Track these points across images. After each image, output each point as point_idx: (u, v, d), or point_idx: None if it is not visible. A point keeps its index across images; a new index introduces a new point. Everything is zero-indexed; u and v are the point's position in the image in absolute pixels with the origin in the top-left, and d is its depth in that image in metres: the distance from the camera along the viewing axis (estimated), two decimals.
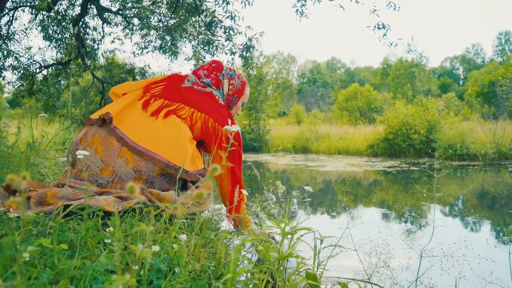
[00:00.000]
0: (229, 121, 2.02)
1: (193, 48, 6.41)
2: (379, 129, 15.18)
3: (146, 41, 7.32)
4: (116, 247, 0.82)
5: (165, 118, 1.84)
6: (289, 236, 1.34)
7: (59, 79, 7.86)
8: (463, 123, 14.25)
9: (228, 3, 5.55)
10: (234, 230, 1.99)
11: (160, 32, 6.63)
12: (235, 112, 2.23)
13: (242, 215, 1.95)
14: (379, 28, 4.72)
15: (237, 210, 1.99)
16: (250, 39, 5.72)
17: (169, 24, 6.36)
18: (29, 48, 6.87)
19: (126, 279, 0.63)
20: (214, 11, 5.81)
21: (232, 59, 5.88)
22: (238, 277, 1.33)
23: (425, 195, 5.08)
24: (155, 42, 7.23)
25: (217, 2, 5.66)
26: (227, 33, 5.72)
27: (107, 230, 1.25)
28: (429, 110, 14.25)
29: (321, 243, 1.47)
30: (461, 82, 48.36)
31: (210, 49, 5.97)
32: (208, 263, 1.32)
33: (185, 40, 6.64)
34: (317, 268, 1.42)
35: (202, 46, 6.06)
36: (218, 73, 2.13)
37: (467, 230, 3.82)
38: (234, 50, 5.76)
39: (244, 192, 1.71)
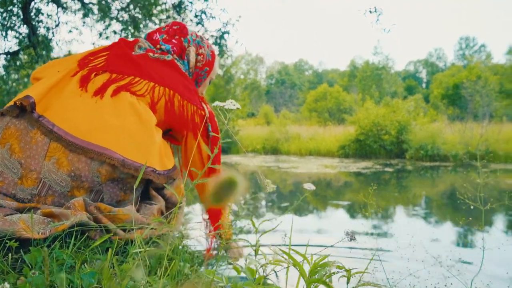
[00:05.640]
0: (204, 106, 1.49)
1: None
2: (350, 130, 15.04)
3: (109, 30, 6.66)
4: None
5: (114, 97, 1.28)
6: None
7: (9, 71, 7.06)
8: (432, 124, 14.32)
9: None
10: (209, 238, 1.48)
11: (122, 19, 6.00)
12: (201, 91, 1.66)
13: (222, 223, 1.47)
14: (370, 12, 4.38)
15: (217, 217, 1.49)
16: (225, 24, 5.19)
17: (132, 10, 5.75)
18: None
19: None
20: None
21: None
22: None
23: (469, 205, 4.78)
24: (117, 33, 6.59)
25: None
26: (198, 17, 5.16)
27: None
28: (399, 111, 14.25)
29: (347, 283, 1.01)
30: (424, 85, 49.64)
31: None
32: None
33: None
34: None
35: None
36: (182, 38, 1.55)
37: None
38: (206, 37, 5.20)
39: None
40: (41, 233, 1.03)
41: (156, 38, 1.53)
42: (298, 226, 3.97)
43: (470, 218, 3.20)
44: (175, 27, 1.57)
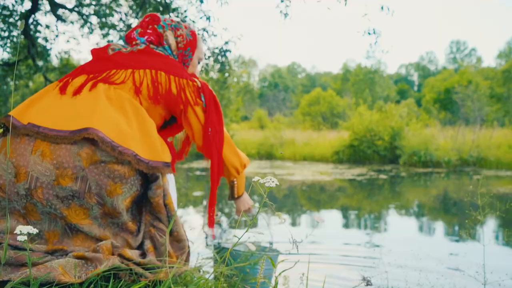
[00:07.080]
0: (198, 81, 1.51)
1: None
2: (343, 135, 15.13)
3: (107, 41, 6.71)
4: None
5: (92, 90, 1.32)
6: None
7: (7, 81, 7.08)
8: (425, 130, 14.44)
9: (202, 1, 5.09)
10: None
11: (122, 31, 6.06)
12: (191, 71, 1.65)
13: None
14: (369, 34, 4.51)
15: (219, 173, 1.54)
16: (227, 42, 5.32)
17: (132, 24, 5.81)
18: None
19: None
20: (186, 11, 5.33)
21: (206, 64, 5.42)
22: None
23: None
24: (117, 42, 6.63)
25: (189, 1, 5.20)
26: (200, 35, 5.24)
27: None
28: (392, 117, 14.34)
29: None
30: (415, 88, 50.06)
31: None
32: None
33: None
34: None
35: None
36: (155, 26, 1.56)
37: None
38: (208, 54, 5.30)
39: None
40: (78, 277, 1.10)
41: (133, 36, 1.55)
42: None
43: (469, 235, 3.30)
44: (147, 19, 1.59)
